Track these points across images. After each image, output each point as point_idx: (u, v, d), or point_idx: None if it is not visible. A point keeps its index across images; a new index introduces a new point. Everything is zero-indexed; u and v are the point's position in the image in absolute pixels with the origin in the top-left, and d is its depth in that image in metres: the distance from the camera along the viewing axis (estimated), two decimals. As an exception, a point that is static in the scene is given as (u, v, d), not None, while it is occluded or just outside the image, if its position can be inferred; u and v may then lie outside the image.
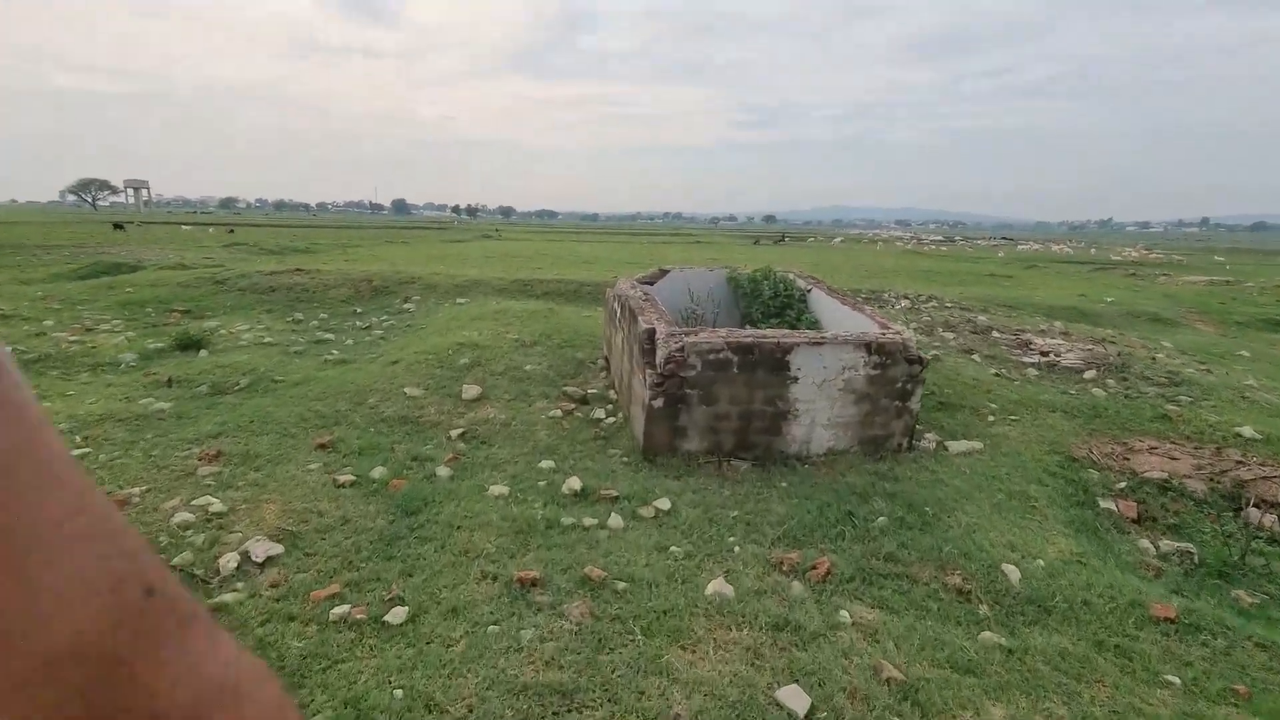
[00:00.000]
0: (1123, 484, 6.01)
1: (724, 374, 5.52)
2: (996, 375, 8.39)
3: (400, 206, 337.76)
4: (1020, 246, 55.62)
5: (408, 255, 24.81)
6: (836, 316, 7.11)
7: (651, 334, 5.73)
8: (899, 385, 5.96)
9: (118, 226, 34.65)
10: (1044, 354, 9.43)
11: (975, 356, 9.31)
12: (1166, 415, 7.09)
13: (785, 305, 7.76)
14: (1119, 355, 9.14)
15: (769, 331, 5.73)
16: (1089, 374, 8.32)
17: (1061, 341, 10.44)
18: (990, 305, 15.32)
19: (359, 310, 12.19)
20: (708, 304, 8.06)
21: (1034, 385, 8.04)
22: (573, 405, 6.85)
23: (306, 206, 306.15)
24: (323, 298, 12.69)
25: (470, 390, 6.96)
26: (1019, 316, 14.06)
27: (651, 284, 8.16)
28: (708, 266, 8.34)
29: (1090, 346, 10.12)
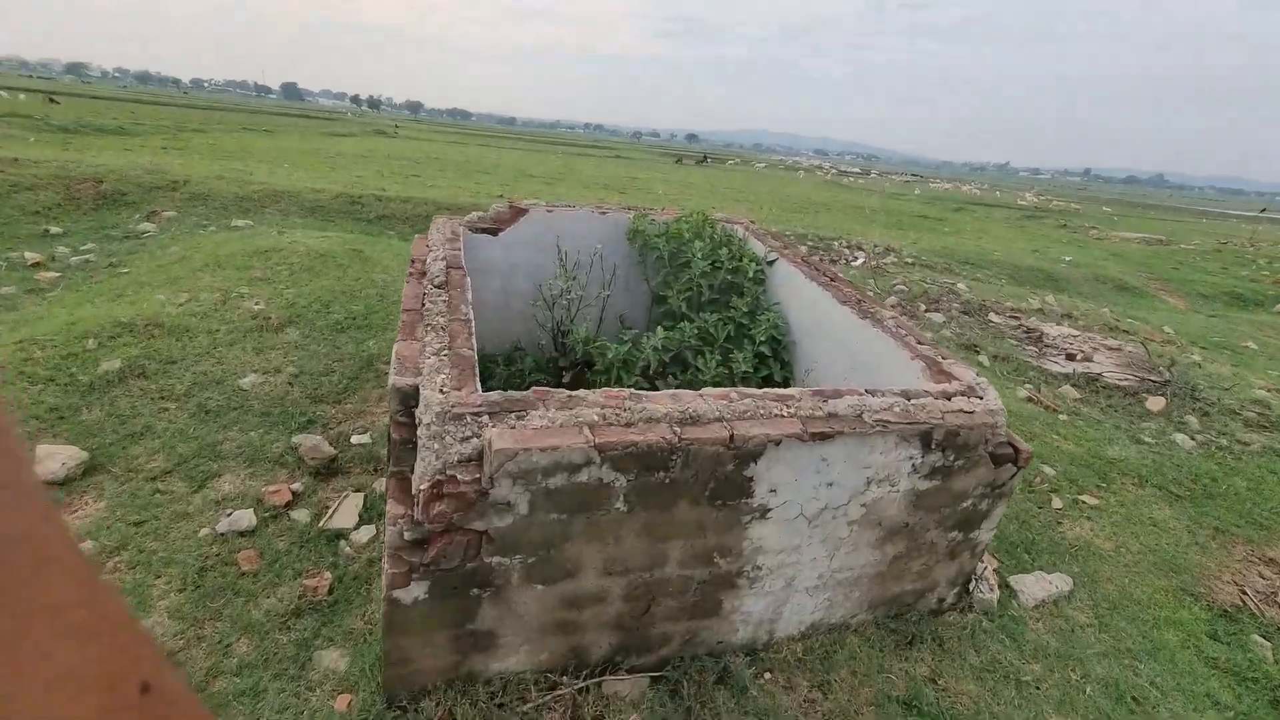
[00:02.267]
0: (1303, 660, 3.33)
1: (594, 515, 2.16)
2: (1030, 402, 5.54)
3: (291, 91, 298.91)
4: (932, 184, 54.73)
5: (251, 148, 19.24)
6: (825, 320, 3.84)
7: (406, 403, 2.22)
8: (968, 504, 2.85)
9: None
10: (1070, 356, 6.71)
11: (983, 357, 6.45)
12: (1303, 495, 4.50)
13: (730, 286, 4.39)
14: (1168, 366, 6.55)
15: (710, 395, 2.35)
16: (1154, 403, 5.64)
17: (1071, 331, 7.82)
18: (953, 263, 12.69)
19: (53, 230, 7.66)
20: (590, 276, 4.52)
21: (1089, 425, 5.24)
22: (290, 494, 3.29)
23: (177, 82, 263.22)
24: (1, 205, 7.97)
25: (57, 457, 3.20)
26: (993, 283, 11.49)
27: (495, 232, 4.50)
28: (595, 205, 4.79)
29: (1113, 343, 7.54)
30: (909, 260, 11.89)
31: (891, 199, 32.81)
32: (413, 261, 3.54)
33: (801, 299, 4.10)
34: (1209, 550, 3.95)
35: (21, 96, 30.02)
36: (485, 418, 2.06)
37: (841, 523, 2.61)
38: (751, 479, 2.32)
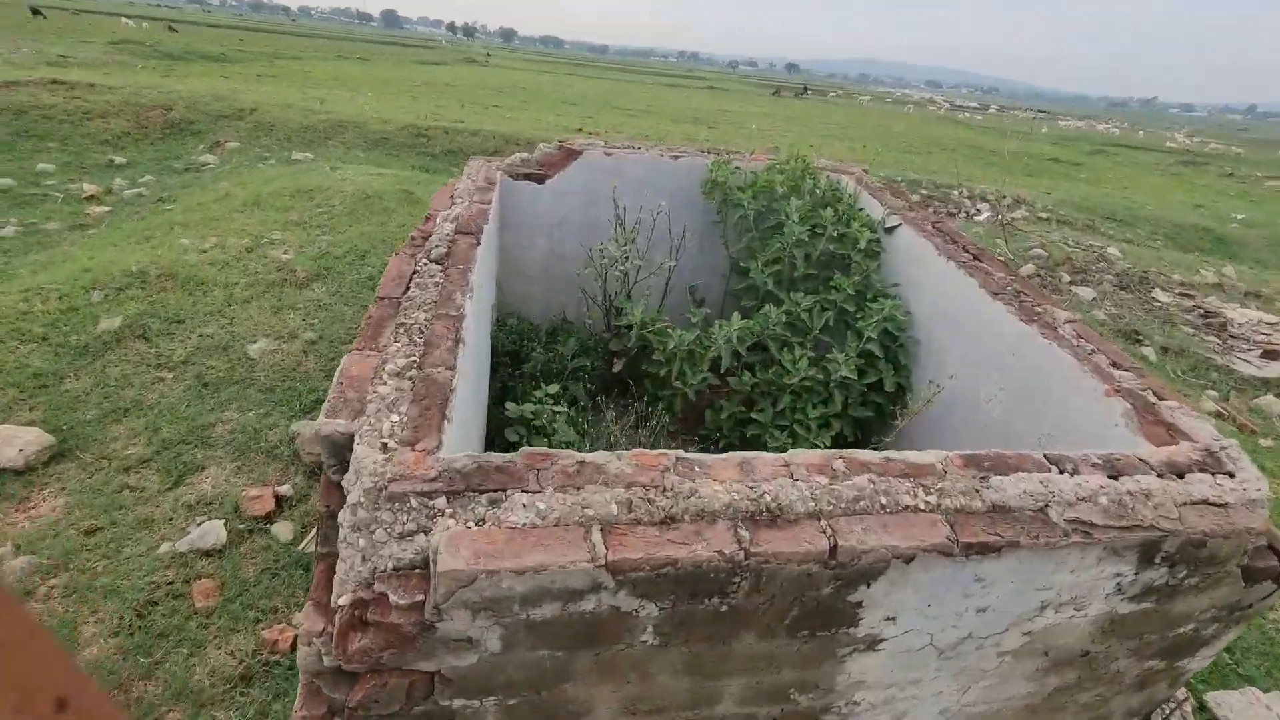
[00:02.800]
0: None
1: (606, 649, 1.40)
2: (1219, 418, 4.27)
3: (390, 19, 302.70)
4: (1061, 123, 48.35)
5: (342, 75, 19.21)
6: (965, 315, 2.81)
7: (343, 456, 1.50)
8: (1187, 630, 1.88)
9: (35, 12, 27.22)
10: (1271, 353, 5.24)
11: (1148, 349, 5.12)
12: None
13: (833, 259, 3.40)
14: None
15: (802, 464, 1.49)
16: (1398, 429, 4.22)
17: (1265, 317, 6.21)
18: (1096, 219, 10.75)
19: (118, 160, 7.47)
20: (655, 238, 3.63)
21: (1307, 457, 3.95)
22: (274, 500, 2.74)
23: (286, 10, 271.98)
24: (72, 133, 7.86)
25: (16, 442, 2.76)
26: (1148, 246, 9.60)
27: (541, 180, 3.67)
28: (666, 148, 3.80)
29: (1324, 334, 5.91)
30: (1043, 215, 10.10)
31: (1014, 139, 29.20)
32: (426, 219, 2.78)
33: (930, 282, 3.07)
34: None
35: (145, 25, 31.29)
36: (440, 500, 1.31)
37: (989, 653, 1.73)
38: (860, 604, 1.48)
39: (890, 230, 3.38)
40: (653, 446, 3.11)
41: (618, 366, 3.38)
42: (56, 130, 7.82)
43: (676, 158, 3.77)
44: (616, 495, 1.37)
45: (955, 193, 10.26)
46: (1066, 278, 6.46)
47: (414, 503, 1.31)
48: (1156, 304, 6.14)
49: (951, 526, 1.47)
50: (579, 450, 2.93)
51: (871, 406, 3.13)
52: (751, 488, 1.46)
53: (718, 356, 3.15)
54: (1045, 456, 1.74)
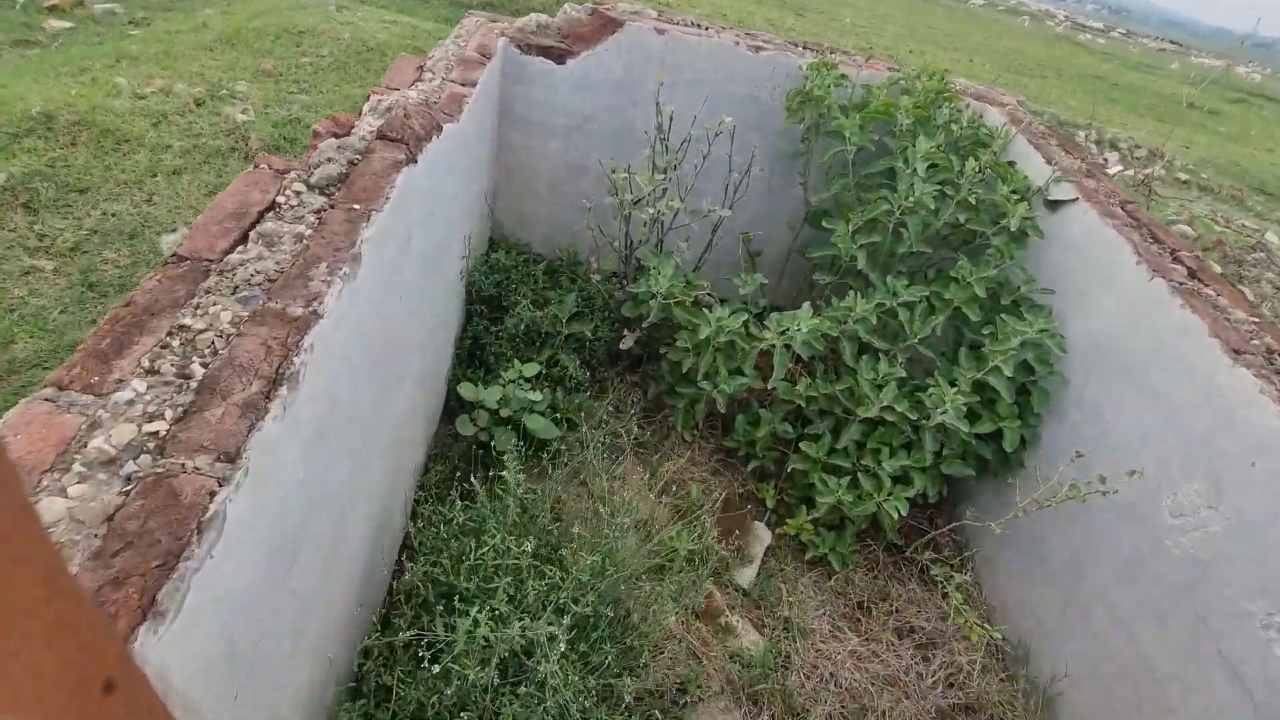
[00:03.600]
0: None
1: None
2: None
3: None
4: (1194, 58, 42.23)
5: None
6: (1165, 361, 1.81)
7: None
8: None
9: None
10: None
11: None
12: None
13: (965, 234, 2.35)
14: None
15: None
16: None
17: None
18: (1245, 190, 8.98)
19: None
20: (708, 165, 2.56)
21: None
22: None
23: None
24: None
25: None
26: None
27: (562, 58, 2.58)
28: (743, 33, 2.61)
29: None
30: (1182, 176, 8.41)
31: (1139, 72, 25.53)
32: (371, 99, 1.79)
33: (1113, 302, 2.02)
34: None
35: None
36: None
37: None
38: None
39: (1055, 206, 2.29)
40: (661, 462, 2.25)
41: (628, 342, 2.46)
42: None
43: (758, 50, 2.62)
44: None
45: (1082, 134, 8.57)
46: (1217, 269, 5.16)
47: None
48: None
49: None
50: (560, 451, 2.08)
51: (973, 461, 2.21)
52: None
53: (769, 351, 2.22)
54: None
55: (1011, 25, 37.04)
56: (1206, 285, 1.91)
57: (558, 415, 2.37)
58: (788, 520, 2.34)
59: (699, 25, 2.68)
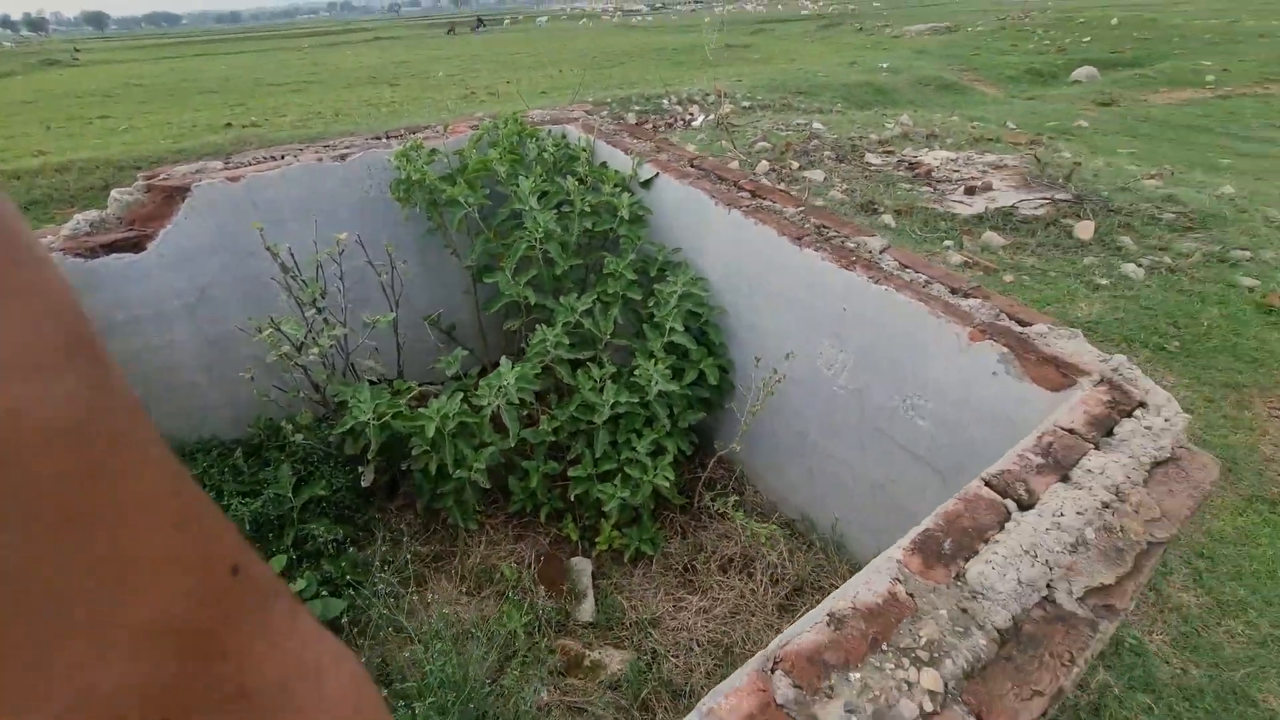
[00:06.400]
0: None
1: None
2: (968, 267, 4.53)
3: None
4: (716, 9, 52.49)
5: None
6: (773, 270, 2.30)
7: None
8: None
9: None
10: (970, 190, 5.80)
11: (886, 217, 5.33)
12: (1273, 309, 3.96)
13: (594, 239, 2.66)
14: (1065, 177, 5.86)
15: None
16: (1082, 230, 4.88)
17: (948, 155, 6.97)
18: (789, 96, 11.44)
19: None
20: (350, 282, 2.55)
21: (1039, 281, 4.35)
22: None
23: None
24: None
25: None
26: (838, 111, 10.43)
27: (139, 245, 2.33)
28: (323, 144, 2.62)
29: (994, 158, 6.79)
30: (745, 104, 10.43)
31: (681, 33, 30.75)
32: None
33: (717, 240, 2.50)
34: (1240, 421, 3.24)
35: None
36: None
37: None
38: None
39: (647, 184, 2.74)
40: (462, 562, 2.22)
41: (367, 479, 2.36)
42: None
43: (344, 157, 2.66)
44: None
45: (665, 101, 10.11)
46: (795, 164, 6.56)
47: None
48: (872, 167, 6.51)
49: (982, 724, 0.90)
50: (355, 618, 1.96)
51: (700, 406, 2.57)
52: None
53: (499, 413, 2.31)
54: (989, 484, 1.27)
55: (576, 29, 41.78)
56: (766, 198, 2.47)
57: (335, 584, 2.20)
58: (596, 540, 2.48)
59: (274, 157, 2.63)
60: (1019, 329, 1.75)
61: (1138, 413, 1.47)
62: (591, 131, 3.02)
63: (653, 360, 2.36)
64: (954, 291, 1.92)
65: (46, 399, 0.23)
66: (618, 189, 2.67)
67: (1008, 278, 4.38)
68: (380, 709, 0.37)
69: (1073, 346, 1.66)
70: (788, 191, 2.56)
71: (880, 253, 2.11)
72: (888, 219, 5.32)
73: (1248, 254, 4.52)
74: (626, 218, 2.60)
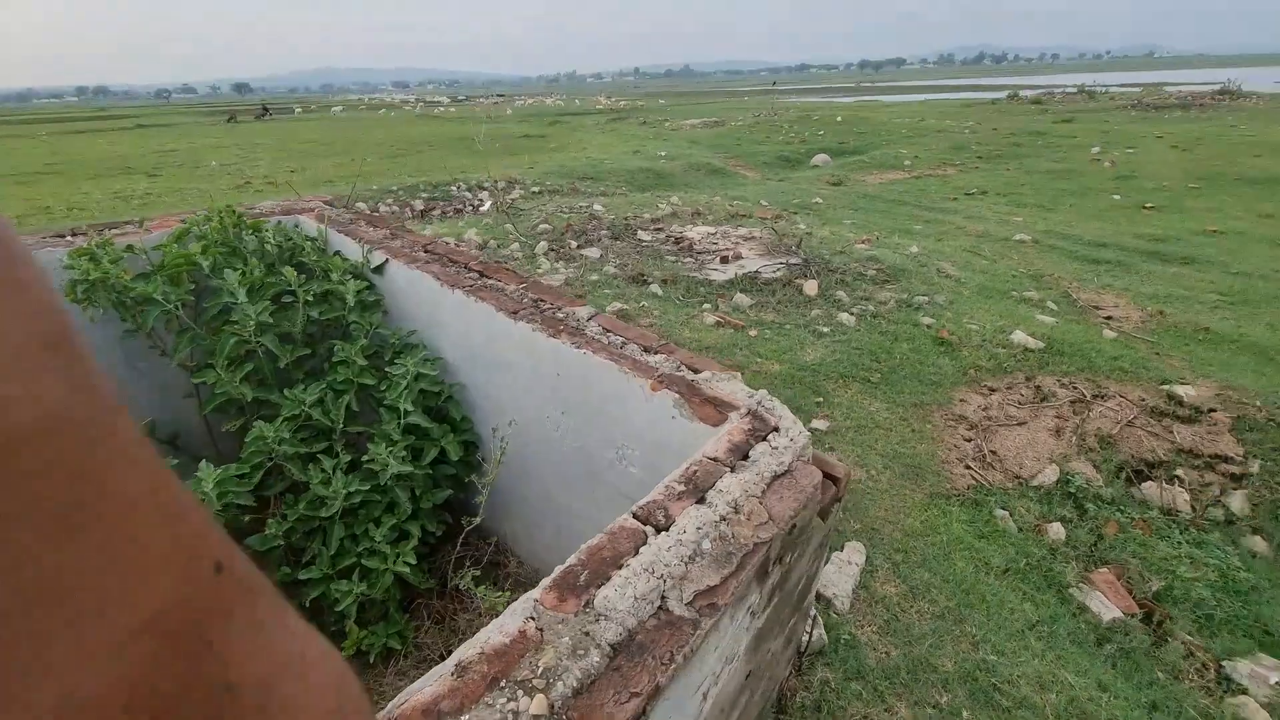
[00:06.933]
0: (1028, 509, 3.51)
1: None
2: (720, 326, 5.10)
3: None
4: (519, 102, 55.51)
5: None
6: (501, 344, 2.41)
7: None
8: (800, 585, 1.89)
9: None
10: (725, 259, 6.60)
11: (654, 286, 5.86)
12: (943, 341, 4.95)
13: (327, 325, 2.61)
14: (796, 244, 6.93)
15: None
16: (809, 288, 5.76)
17: (709, 229, 7.90)
18: (576, 181, 12.26)
19: None
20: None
21: (777, 333, 5.02)
22: None
23: None
24: None
25: None
26: (619, 194, 11.37)
27: None
28: None
29: (745, 232, 7.82)
30: (535, 189, 10.99)
31: (489, 123, 31.87)
32: None
33: (448, 318, 2.59)
34: (923, 432, 3.96)
35: None
36: None
37: (678, 773, 1.39)
38: None
39: (379, 269, 2.77)
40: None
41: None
42: None
43: (9, 258, 2.36)
44: None
45: (454, 188, 10.30)
46: (574, 244, 7.00)
47: None
48: (644, 244, 7.15)
49: (577, 736, 0.99)
50: None
51: (447, 483, 2.57)
52: None
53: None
54: (635, 515, 1.43)
55: (378, 118, 41.26)
56: (492, 277, 2.62)
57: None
58: (343, 646, 2.31)
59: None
60: (691, 376, 2.03)
61: (771, 436, 1.76)
62: (325, 221, 3.01)
63: (386, 444, 2.33)
64: (646, 350, 2.18)
65: (25, 397, 0.22)
66: (348, 276, 2.66)
67: (753, 332, 5.00)
68: (365, 707, 0.36)
69: (729, 388, 1.96)
70: (514, 270, 2.75)
71: (588, 320, 2.33)
72: (655, 288, 5.83)
73: (926, 299, 5.64)
74: (354, 304, 2.59)
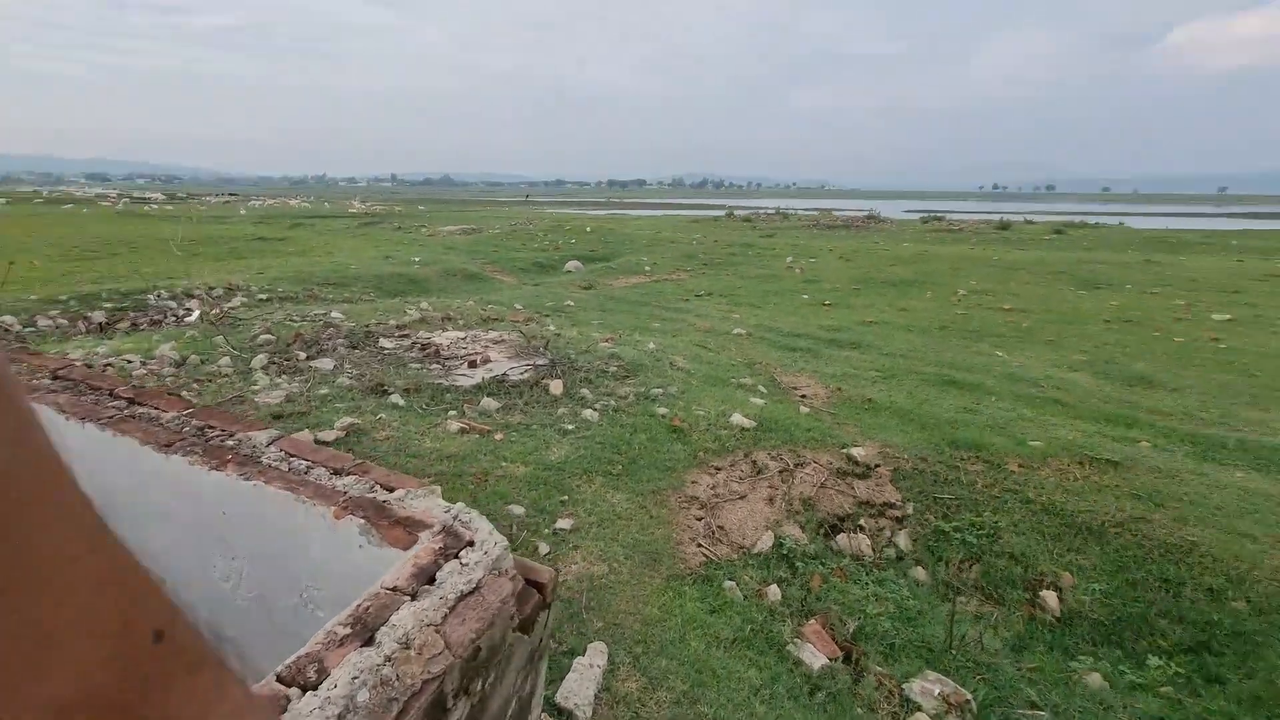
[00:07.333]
0: (750, 576, 3.88)
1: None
2: (465, 433, 4.95)
3: None
4: (253, 202, 51.09)
5: None
6: (155, 485, 2.00)
7: None
8: (514, 706, 1.78)
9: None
10: (472, 363, 6.55)
11: (395, 396, 5.53)
12: (676, 429, 5.42)
13: None
14: (544, 346, 7.18)
15: None
16: (555, 387, 5.95)
17: (459, 335, 7.84)
18: (315, 287, 11.37)
19: None
20: None
21: (523, 435, 5.03)
22: None
23: None
24: None
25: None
26: (364, 301, 10.78)
27: None
28: None
29: (494, 335, 7.90)
30: (262, 296, 9.90)
31: (214, 223, 28.53)
32: None
33: (79, 461, 2.10)
34: (660, 517, 4.20)
35: None
36: None
37: None
38: None
39: (-23, 405, 2.17)
40: None
41: None
42: None
43: None
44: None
45: (152, 297, 8.83)
46: (303, 354, 6.37)
47: None
48: (387, 352, 6.79)
49: None
50: None
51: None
52: None
53: None
54: (279, 678, 1.24)
55: (63, 213, 34.25)
56: (146, 404, 2.22)
57: None
58: None
59: None
60: (384, 497, 1.89)
61: (464, 552, 1.69)
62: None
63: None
64: (335, 472, 1.99)
65: None
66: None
67: (499, 436, 4.94)
68: None
69: (424, 504, 1.87)
70: (178, 394, 2.37)
71: (267, 445, 2.07)
72: (396, 398, 5.51)
73: (661, 390, 6.18)
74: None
